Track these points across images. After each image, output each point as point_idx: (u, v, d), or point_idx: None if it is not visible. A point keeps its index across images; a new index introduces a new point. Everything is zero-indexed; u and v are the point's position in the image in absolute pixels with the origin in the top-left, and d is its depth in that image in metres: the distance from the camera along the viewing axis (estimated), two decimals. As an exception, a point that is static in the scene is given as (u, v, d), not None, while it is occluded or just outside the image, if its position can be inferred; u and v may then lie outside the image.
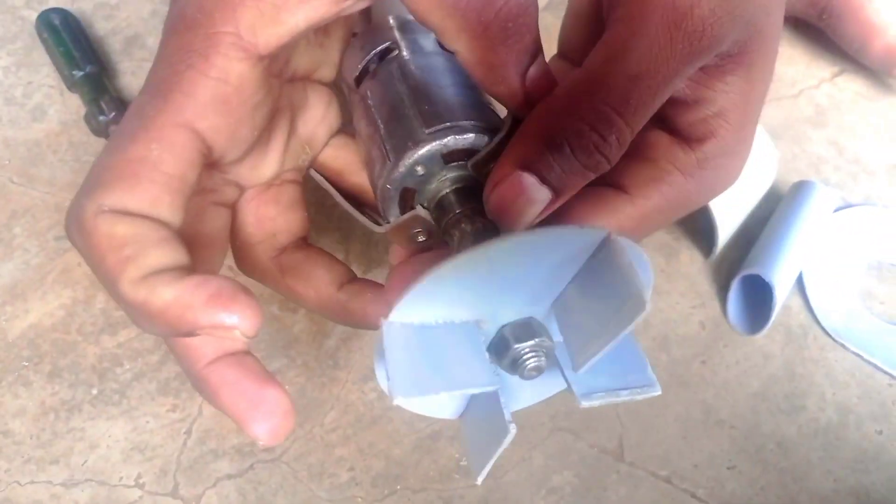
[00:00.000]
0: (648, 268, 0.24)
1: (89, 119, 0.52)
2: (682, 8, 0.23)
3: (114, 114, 0.51)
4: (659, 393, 0.24)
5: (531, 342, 0.23)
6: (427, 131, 0.28)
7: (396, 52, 0.32)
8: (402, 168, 0.28)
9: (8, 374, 0.45)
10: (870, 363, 0.48)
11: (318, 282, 0.32)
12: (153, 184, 0.23)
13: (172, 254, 0.23)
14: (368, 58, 0.32)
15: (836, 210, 0.54)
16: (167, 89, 0.24)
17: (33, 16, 0.57)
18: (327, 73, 0.33)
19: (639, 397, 0.23)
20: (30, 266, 0.48)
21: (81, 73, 0.53)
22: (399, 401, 0.21)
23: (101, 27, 0.59)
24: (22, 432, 0.43)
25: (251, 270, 0.34)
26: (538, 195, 0.24)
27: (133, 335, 0.46)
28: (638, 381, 0.23)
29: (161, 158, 0.23)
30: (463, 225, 0.26)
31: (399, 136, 0.28)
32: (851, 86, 0.61)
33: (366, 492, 0.42)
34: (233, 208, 0.32)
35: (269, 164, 0.32)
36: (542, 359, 0.23)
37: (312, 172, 0.34)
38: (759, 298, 0.49)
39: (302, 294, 0.32)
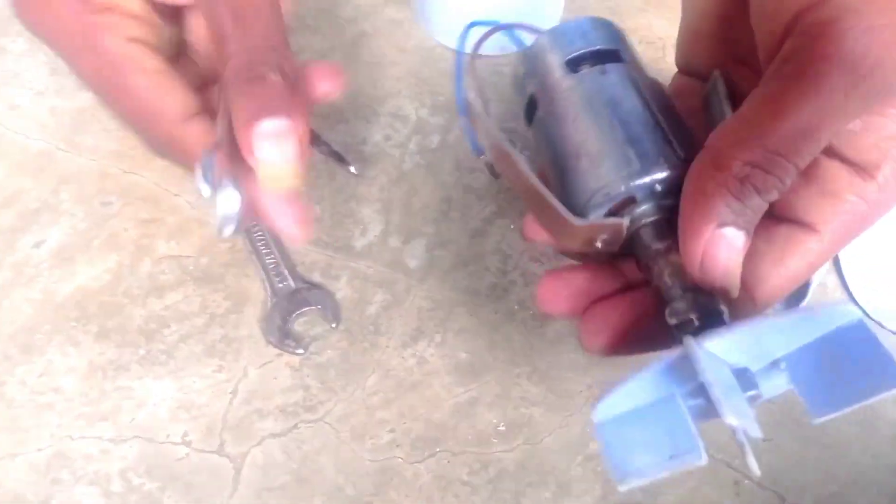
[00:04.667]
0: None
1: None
2: (862, 70, 0.24)
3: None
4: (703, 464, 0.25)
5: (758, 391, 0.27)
6: (682, 156, 0.29)
7: (623, 62, 0.32)
8: (646, 178, 0.28)
9: (57, 335, 0.46)
10: (907, 341, 0.48)
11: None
12: None
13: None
14: (591, 49, 0.32)
15: (874, 189, 0.54)
16: None
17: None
18: None
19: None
20: (76, 231, 0.49)
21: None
22: (624, 487, 0.24)
23: None
24: (71, 390, 0.44)
25: None
26: (738, 243, 0.26)
27: (180, 298, 0.47)
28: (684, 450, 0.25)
29: None
30: (665, 272, 0.28)
31: (645, 145, 0.29)
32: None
33: (406, 453, 0.43)
34: None
35: None
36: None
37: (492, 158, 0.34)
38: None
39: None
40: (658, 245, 0.29)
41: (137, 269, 0.48)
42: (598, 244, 0.30)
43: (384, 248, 0.50)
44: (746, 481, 0.44)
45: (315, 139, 0.53)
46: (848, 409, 0.24)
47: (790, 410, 0.46)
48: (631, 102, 0.30)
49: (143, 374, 0.45)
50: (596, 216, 0.30)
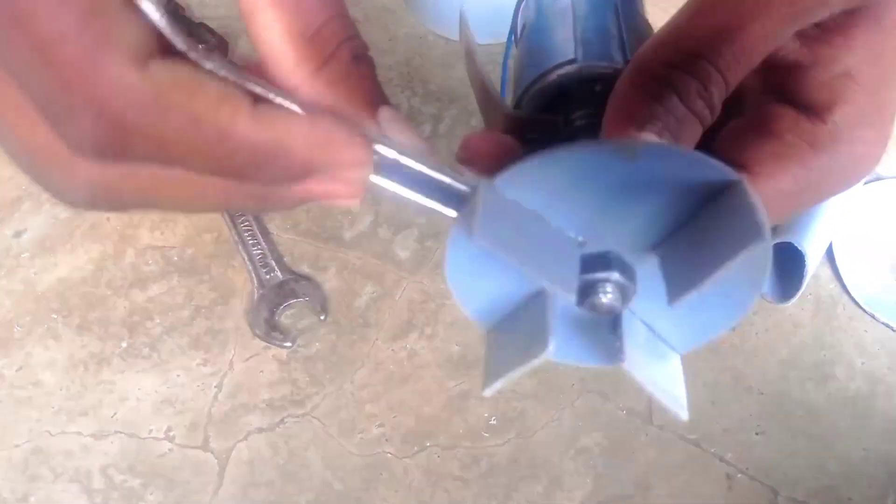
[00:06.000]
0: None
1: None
2: None
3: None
4: (685, 419, 0.23)
5: (624, 280, 0.22)
6: (628, 56, 0.27)
7: None
8: (584, 71, 0.27)
9: (37, 327, 0.45)
10: (899, 334, 0.48)
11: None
12: None
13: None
14: None
15: (867, 182, 0.54)
16: None
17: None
18: None
19: (669, 405, 0.23)
20: (58, 220, 0.48)
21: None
22: (478, 241, 0.19)
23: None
24: (52, 384, 0.43)
25: None
26: None
27: (164, 289, 0.46)
28: (672, 396, 0.23)
29: None
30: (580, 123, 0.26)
31: (595, 46, 0.28)
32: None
33: (396, 448, 0.42)
34: None
35: None
36: (618, 301, 0.22)
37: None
38: (788, 267, 0.48)
39: None
40: (584, 120, 0.27)
41: (120, 259, 0.47)
42: (533, 144, 0.28)
43: (374, 239, 0.49)
44: (739, 475, 0.43)
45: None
46: (699, 287, 0.20)
47: (781, 403, 0.45)
48: (602, 18, 0.30)
49: (126, 368, 0.44)
50: (530, 108, 0.28)
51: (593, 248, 0.23)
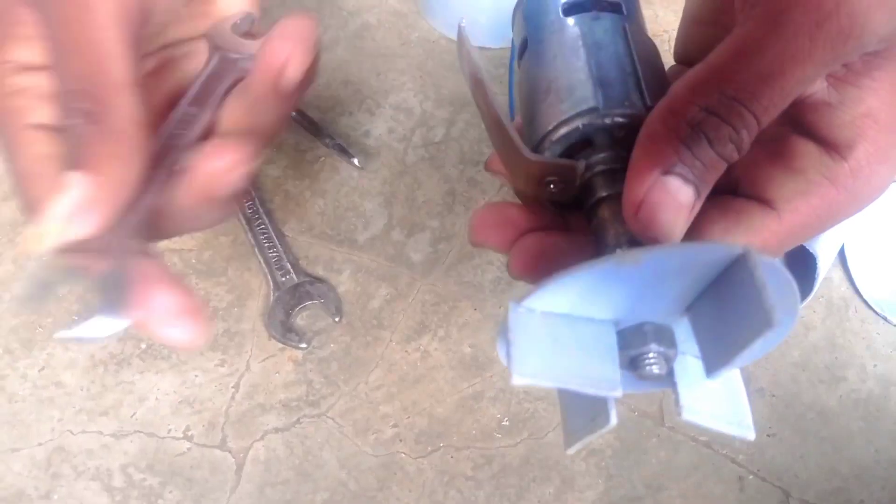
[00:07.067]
0: (792, 286, 0.22)
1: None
2: (827, 7, 0.21)
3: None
4: (751, 439, 0.24)
5: (663, 348, 0.23)
6: (649, 103, 0.26)
7: (620, 13, 0.30)
8: (605, 118, 0.26)
9: (58, 328, 0.46)
10: (912, 336, 0.48)
11: None
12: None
13: None
14: None
15: (879, 184, 0.54)
16: None
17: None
18: None
19: (729, 431, 0.23)
20: (78, 224, 0.49)
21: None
22: (517, 381, 0.21)
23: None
24: (73, 384, 0.44)
25: None
26: (684, 198, 0.23)
27: (181, 291, 0.47)
28: (736, 420, 0.23)
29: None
30: (607, 218, 0.26)
31: (615, 88, 0.27)
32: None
33: (409, 448, 0.43)
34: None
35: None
36: (664, 367, 0.23)
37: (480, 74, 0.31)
38: (800, 269, 0.49)
39: None
40: (605, 192, 0.27)
41: (139, 262, 0.48)
42: (552, 187, 0.28)
43: (387, 242, 0.49)
44: (751, 476, 0.44)
45: (318, 132, 0.52)
46: (732, 364, 0.21)
47: (793, 405, 0.46)
48: (613, 48, 0.29)
49: (145, 369, 0.45)
50: (551, 154, 0.28)
51: (629, 321, 0.24)
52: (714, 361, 0.22)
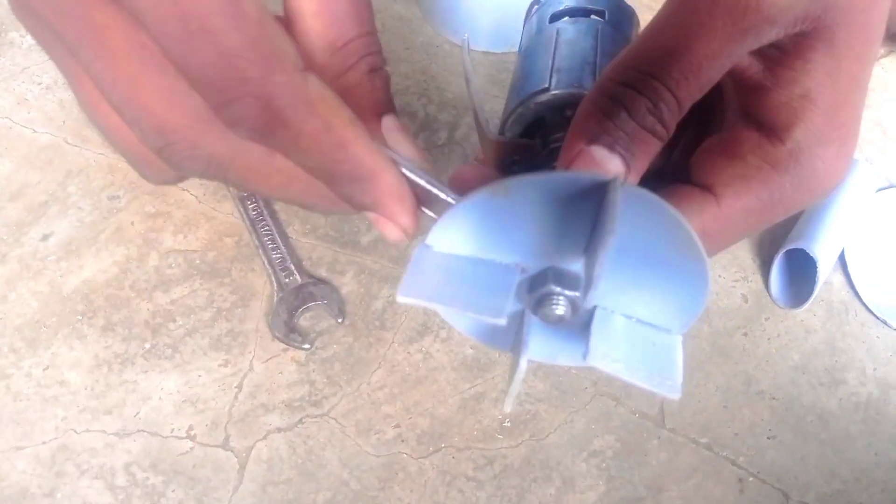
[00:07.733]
0: (667, 215, 0.22)
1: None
2: None
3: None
4: (676, 398, 0.24)
5: (563, 289, 0.24)
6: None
7: (600, 18, 0.33)
8: (553, 98, 0.28)
9: (63, 328, 0.46)
10: (912, 340, 0.48)
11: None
12: None
13: None
14: (578, 6, 0.33)
15: (879, 190, 0.54)
16: None
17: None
18: None
19: (653, 388, 0.23)
20: (84, 224, 0.49)
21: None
22: (400, 299, 0.22)
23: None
24: (77, 383, 0.44)
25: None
26: (611, 165, 0.24)
27: (186, 292, 0.47)
28: (659, 375, 0.23)
29: None
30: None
31: (570, 73, 0.29)
32: None
33: (411, 448, 0.43)
34: None
35: None
36: (568, 309, 0.24)
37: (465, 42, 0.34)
38: (800, 273, 0.49)
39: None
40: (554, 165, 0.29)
41: (144, 262, 0.48)
42: (515, 166, 0.30)
43: (390, 244, 0.50)
44: (751, 478, 0.44)
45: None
46: (594, 287, 0.21)
47: (793, 408, 0.46)
48: (581, 45, 0.31)
49: (149, 368, 0.45)
50: (511, 133, 0.30)
51: (536, 269, 0.24)
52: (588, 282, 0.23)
